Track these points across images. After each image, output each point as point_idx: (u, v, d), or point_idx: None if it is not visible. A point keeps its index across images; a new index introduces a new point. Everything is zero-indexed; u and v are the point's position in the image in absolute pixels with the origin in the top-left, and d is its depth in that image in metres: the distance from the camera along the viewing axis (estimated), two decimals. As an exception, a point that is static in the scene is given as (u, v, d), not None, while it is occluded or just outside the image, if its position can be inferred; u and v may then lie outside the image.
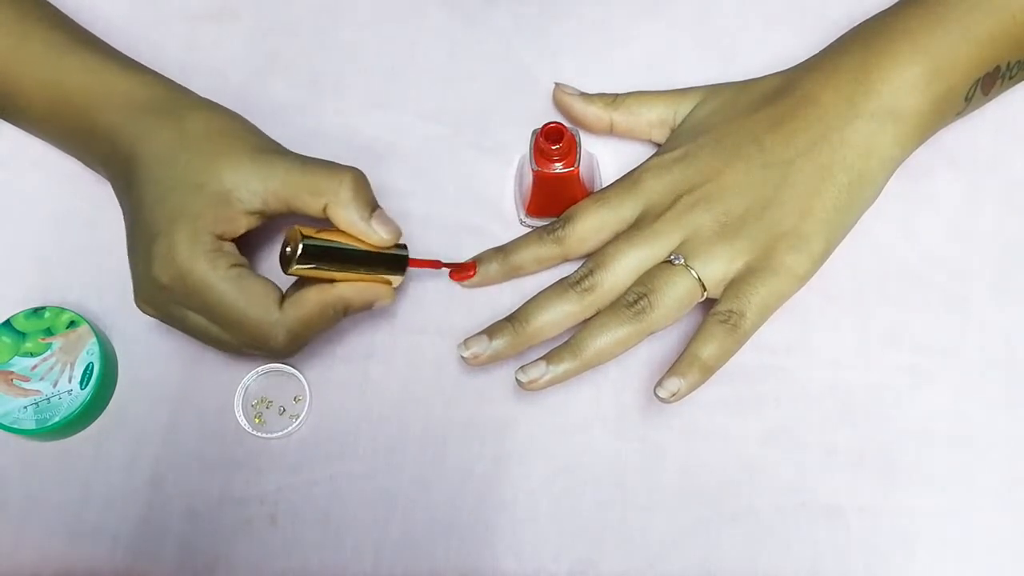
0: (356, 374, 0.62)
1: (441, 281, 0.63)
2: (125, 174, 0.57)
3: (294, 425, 0.61)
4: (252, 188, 0.56)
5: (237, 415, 0.61)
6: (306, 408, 0.61)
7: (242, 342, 0.56)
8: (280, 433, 0.61)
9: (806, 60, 0.63)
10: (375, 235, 0.57)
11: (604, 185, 0.64)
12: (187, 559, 0.59)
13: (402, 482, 0.60)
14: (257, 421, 0.61)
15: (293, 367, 0.62)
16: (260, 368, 0.62)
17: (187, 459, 0.61)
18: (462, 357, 0.59)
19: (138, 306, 0.58)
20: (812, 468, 0.60)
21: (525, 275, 0.63)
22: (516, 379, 0.57)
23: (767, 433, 0.60)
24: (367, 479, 0.60)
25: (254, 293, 0.55)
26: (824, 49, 0.63)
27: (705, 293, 0.58)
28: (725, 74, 0.65)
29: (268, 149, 0.58)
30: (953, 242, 0.63)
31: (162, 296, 0.56)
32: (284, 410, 0.61)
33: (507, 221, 0.64)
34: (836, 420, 0.60)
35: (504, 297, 0.62)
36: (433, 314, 0.63)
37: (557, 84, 0.65)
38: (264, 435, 0.61)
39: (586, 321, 0.58)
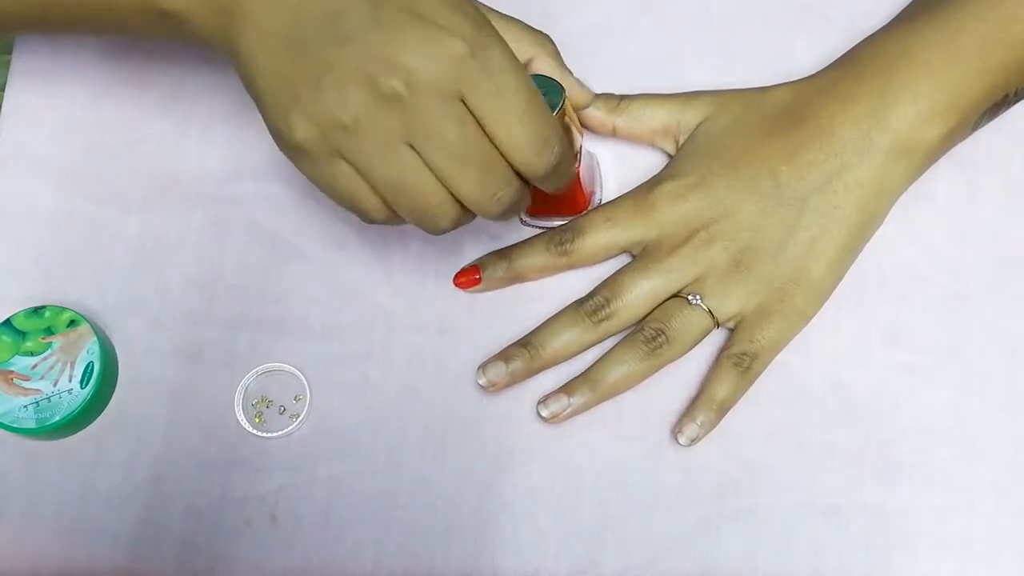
0: (356, 374, 0.62)
1: (441, 280, 0.63)
2: None
3: (294, 425, 0.61)
4: None
5: (237, 415, 0.61)
6: (306, 408, 0.61)
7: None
8: (280, 433, 0.61)
9: (818, 76, 0.62)
10: (586, 89, 0.60)
11: (603, 182, 0.64)
12: (187, 559, 0.59)
13: (402, 482, 0.60)
14: (257, 421, 0.61)
15: (293, 367, 0.62)
16: (260, 368, 0.62)
17: (187, 459, 0.61)
18: (479, 384, 0.60)
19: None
20: (812, 467, 0.60)
21: (529, 281, 0.63)
22: (538, 413, 0.60)
23: (767, 432, 0.60)
24: (367, 479, 0.60)
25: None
26: (837, 67, 0.62)
27: (717, 327, 0.60)
28: (725, 73, 0.65)
29: None
30: (953, 241, 0.63)
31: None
32: (284, 410, 0.61)
33: (507, 221, 0.64)
34: (836, 419, 0.60)
35: (506, 297, 0.63)
36: (433, 314, 0.63)
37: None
38: (264, 435, 0.61)
39: (605, 354, 0.60)
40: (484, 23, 0.49)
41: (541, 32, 0.58)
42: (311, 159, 0.49)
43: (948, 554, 0.59)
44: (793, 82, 0.62)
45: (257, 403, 0.61)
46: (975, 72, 0.59)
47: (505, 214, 0.51)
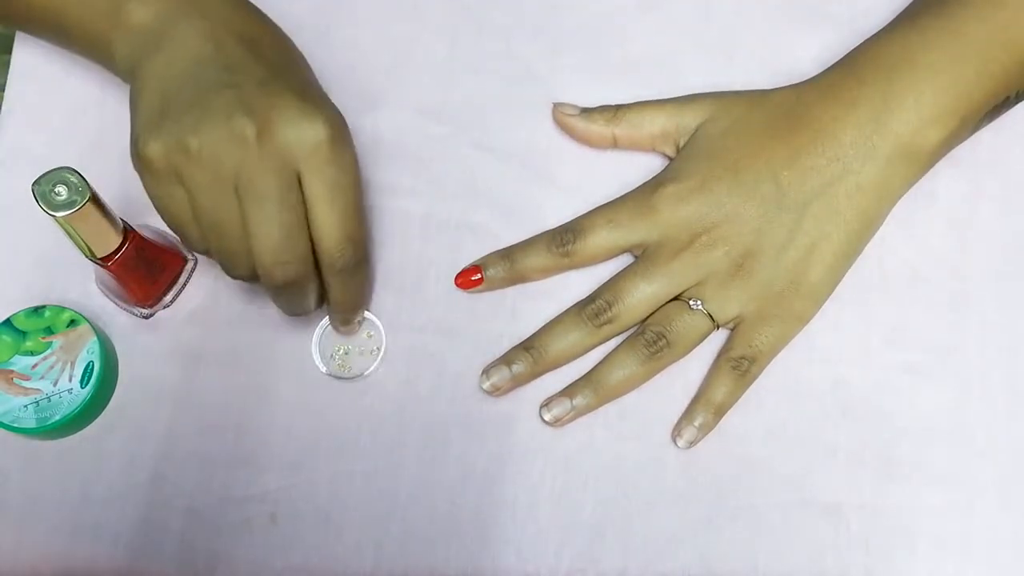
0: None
1: (441, 280, 0.63)
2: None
3: (376, 363, 0.61)
4: None
5: (316, 362, 0.61)
6: (383, 341, 0.62)
7: None
8: (368, 371, 0.61)
9: (820, 78, 0.62)
10: None
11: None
12: (187, 558, 0.59)
13: (402, 481, 0.60)
14: (340, 368, 0.62)
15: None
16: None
17: (187, 458, 0.61)
18: (483, 388, 0.60)
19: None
20: (813, 466, 0.60)
21: (530, 282, 0.63)
22: (541, 417, 0.60)
23: (768, 431, 0.60)
24: (367, 479, 0.60)
25: None
26: (839, 69, 0.62)
27: (717, 328, 0.60)
28: (725, 73, 0.65)
29: None
30: (954, 241, 0.63)
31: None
32: (363, 352, 0.62)
33: (508, 220, 0.64)
34: (837, 418, 0.60)
35: (507, 296, 0.63)
36: (433, 313, 0.63)
37: (556, 104, 0.65)
38: (348, 377, 0.61)
39: (606, 357, 0.61)
40: (348, 131, 0.53)
41: None
42: (154, 176, 0.52)
43: (948, 554, 0.59)
44: (794, 84, 0.62)
45: (336, 352, 0.62)
46: (977, 75, 0.59)
47: (284, 288, 0.54)
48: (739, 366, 0.59)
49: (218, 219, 0.52)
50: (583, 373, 0.61)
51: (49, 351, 0.60)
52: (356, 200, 0.53)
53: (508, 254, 0.62)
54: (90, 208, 0.53)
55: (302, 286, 0.54)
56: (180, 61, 0.54)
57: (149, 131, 0.52)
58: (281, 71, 0.54)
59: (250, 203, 0.51)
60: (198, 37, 0.54)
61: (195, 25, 0.55)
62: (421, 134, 0.66)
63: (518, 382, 0.60)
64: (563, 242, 0.61)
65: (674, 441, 0.60)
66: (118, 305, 0.62)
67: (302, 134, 0.51)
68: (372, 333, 0.62)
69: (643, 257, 0.61)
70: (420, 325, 0.62)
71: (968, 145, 0.63)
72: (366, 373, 0.61)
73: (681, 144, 0.63)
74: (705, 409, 0.59)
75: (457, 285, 0.62)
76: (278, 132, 0.51)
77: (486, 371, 0.60)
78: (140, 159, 0.52)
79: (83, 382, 0.59)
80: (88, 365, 0.60)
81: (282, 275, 0.53)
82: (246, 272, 0.54)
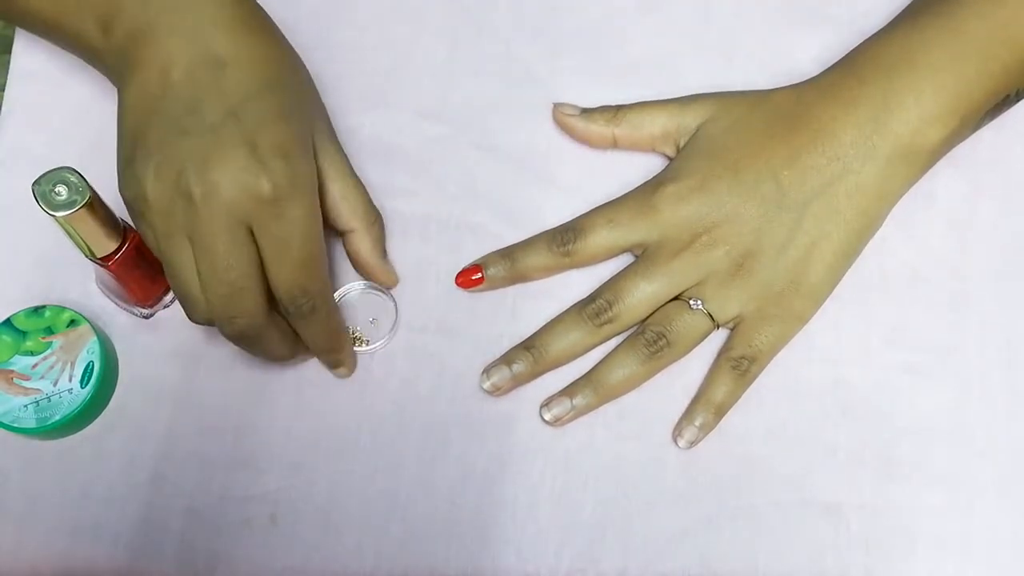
0: (356, 374, 0.62)
1: (442, 280, 0.63)
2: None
3: (387, 336, 0.62)
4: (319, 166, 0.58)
5: None
6: (395, 314, 0.62)
7: None
8: (381, 343, 0.62)
9: (821, 78, 0.62)
10: (392, 272, 0.62)
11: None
12: (187, 558, 0.59)
13: (402, 482, 0.60)
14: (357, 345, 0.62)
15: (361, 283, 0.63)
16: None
17: (187, 458, 0.60)
18: (483, 388, 0.60)
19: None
20: (812, 466, 0.60)
21: (530, 281, 0.63)
22: (541, 416, 0.60)
23: (768, 431, 0.60)
24: (367, 479, 0.60)
25: None
26: (840, 69, 0.62)
27: (717, 328, 0.60)
28: (725, 73, 0.65)
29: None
30: (953, 241, 0.63)
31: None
32: (375, 320, 0.63)
33: (508, 220, 0.64)
34: (837, 418, 0.60)
35: (507, 296, 0.63)
36: (433, 313, 0.63)
37: (556, 105, 0.65)
38: (366, 349, 0.62)
39: (606, 357, 0.61)
40: (303, 179, 0.54)
41: (376, 211, 0.62)
42: (130, 212, 0.55)
43: (948, 554, 0.59)
44: (795, 84, 0.63)
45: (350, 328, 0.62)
46: (977, 74, 0.59)
47: (238, 339, 0.55)
48: (739, 366, 0.59)
49: (175, 263, 0.53)
50: (583, 373, 0.61)
51: (49, 351, 0.60)
52: (308, 252, 0.54)
53: (508, 253, 0.62)
54: (90, 208, 0.54)
55: (257, 336, 0.55)
56: (147, 93, 0.54)
57: (122, 173, 0.54)
58: (244, 106, 0.53)
59: (200, 257, 0.53)
60: (166, 63, 0.54)
61: (167, 47, 0.54)
62: (421, 135, 0.66)
63: (518, 382, 0.60)
64: (563, 241, 0.61)
65: (675, 441, 0.60)
66: (118, 305, 0.62)
67: (245, 191, 0.52)
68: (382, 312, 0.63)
69: (643, 257, 0.61)
70: (420, 325, 0.62)
71: (968, 145, 0.63)
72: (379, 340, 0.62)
73: (681, 144, 0.63)
74: (705, 409, 0.59)
75: (457, 284, 0.62)
76: (222, 190, 0.52)
77: (486, 371, 0.60)
78: (121, 195, 0.55)
79: (83, 382, 0.59)
80: (88, 365, 0.60)
81: (230, 329, 0.54)
82: (203, 318, 0.55)
